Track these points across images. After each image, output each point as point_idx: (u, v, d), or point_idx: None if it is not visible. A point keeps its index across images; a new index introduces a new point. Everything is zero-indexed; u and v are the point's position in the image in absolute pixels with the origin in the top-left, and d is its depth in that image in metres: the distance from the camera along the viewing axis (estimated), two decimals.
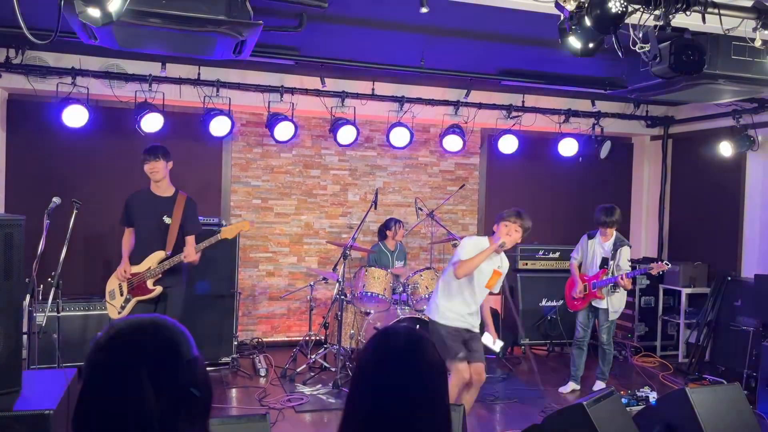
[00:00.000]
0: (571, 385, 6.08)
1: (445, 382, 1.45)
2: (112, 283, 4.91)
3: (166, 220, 4.90)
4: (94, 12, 2.51)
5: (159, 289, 4.86)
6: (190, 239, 4.96)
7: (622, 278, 5.74)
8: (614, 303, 5.91)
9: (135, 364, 1.18)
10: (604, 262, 5.94)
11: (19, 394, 3.19)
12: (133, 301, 4.85)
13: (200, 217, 6.28)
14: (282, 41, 5.48)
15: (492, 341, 4.84)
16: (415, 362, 1.40)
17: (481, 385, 4.73)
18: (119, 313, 4.81)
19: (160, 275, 4.83)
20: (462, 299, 4.67)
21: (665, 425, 3.81)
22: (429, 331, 4.84)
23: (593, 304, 6.00)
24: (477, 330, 4.77)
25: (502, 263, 4.80)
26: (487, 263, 4.63)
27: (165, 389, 1.18)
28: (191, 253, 4.88)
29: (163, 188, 4.98)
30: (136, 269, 4.84)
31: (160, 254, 4.86)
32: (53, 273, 4.67)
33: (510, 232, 4.56)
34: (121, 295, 4.84)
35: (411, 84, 7.07)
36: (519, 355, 7.30)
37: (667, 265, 5.74)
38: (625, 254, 5.89)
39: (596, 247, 6.04)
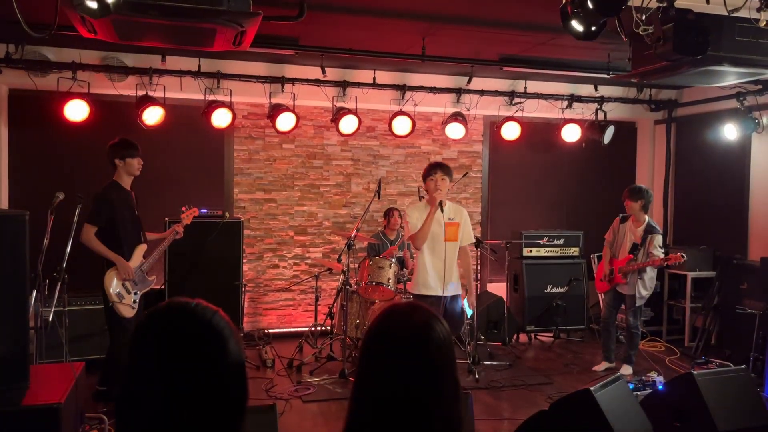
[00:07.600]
0: (604, 364, 6.19)
1: (453, 359, 1.41)
2: (115, 284, 4.87)
3: (136, 212, 5.08)
4: (91, 3, 2.50)
5: (154, 277, 5.09)
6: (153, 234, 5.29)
7: (655, 263, 5.81)
8: (641, 290, 5.93)
9: (176, 352, 1.12)
10: (634, 247, 5.95)
11: (28, 388, 3.20)
12: (140, 295, 4.94)
13: (204, 210, 6.31)
14: (282, 31, 5.44)
15: (467, 305, 5.15)
16: (422, 341, 1.35)
17: None
18: (133, 309, 4.87)
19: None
20: (432, 264, 4.90)
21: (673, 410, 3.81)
22: None
23: (617, 289, 6.07)
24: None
25: (456, 214, 5.05)
26: (436, 224, 4.88)
27: (206, 383, 1.12)
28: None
29: (129, 183, 5.03)
30: (132, 265, 4.91)
31: (144, 247, 5.03)
32: (58, 268, 4.68)
33: (438, 186, 4.85)
34: (129, 292, 4.86)
35: (412, 72, 7.03)
36: (525, 342, 7.31)
37: (683, 257, 5.78)
38: (656, 241, 5.90)
39: (627, 231, 6.05)
